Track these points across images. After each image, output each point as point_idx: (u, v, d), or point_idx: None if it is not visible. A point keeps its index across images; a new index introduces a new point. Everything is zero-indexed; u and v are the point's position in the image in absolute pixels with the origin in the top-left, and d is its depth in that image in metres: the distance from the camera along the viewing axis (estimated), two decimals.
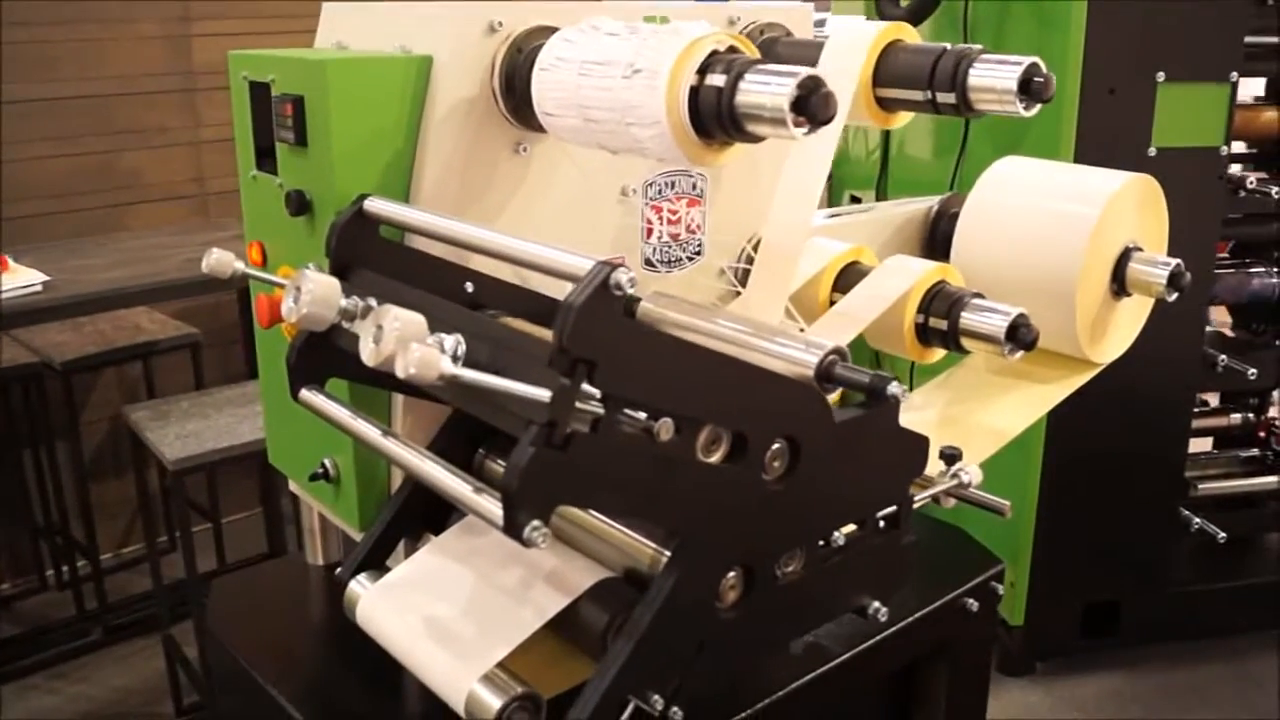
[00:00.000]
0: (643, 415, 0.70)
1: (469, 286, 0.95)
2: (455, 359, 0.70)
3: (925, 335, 1.06)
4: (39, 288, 1.85)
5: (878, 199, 3.01)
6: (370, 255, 0.90)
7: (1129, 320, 1.36)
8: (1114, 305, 1.32)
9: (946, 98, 0.95)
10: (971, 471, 1.02)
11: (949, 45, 0.97)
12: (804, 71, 0.73)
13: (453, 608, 0.86)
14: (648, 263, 1.13)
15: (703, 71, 0.77)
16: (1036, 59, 0.91)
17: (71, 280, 1.87)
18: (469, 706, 0.77)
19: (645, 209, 1.11)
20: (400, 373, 0.58)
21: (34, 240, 2.42)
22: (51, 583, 2.78)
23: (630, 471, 0.70)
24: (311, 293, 0.77)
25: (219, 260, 0.82)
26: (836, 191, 3.18)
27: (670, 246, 1.14)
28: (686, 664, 0.77)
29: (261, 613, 1.13)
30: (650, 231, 1.12)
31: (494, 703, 0.76)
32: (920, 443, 0.90)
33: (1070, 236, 1.24)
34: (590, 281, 0.64)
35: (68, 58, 2.61)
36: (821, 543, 0.87)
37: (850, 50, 1.00)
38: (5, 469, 2.71)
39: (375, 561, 0.94)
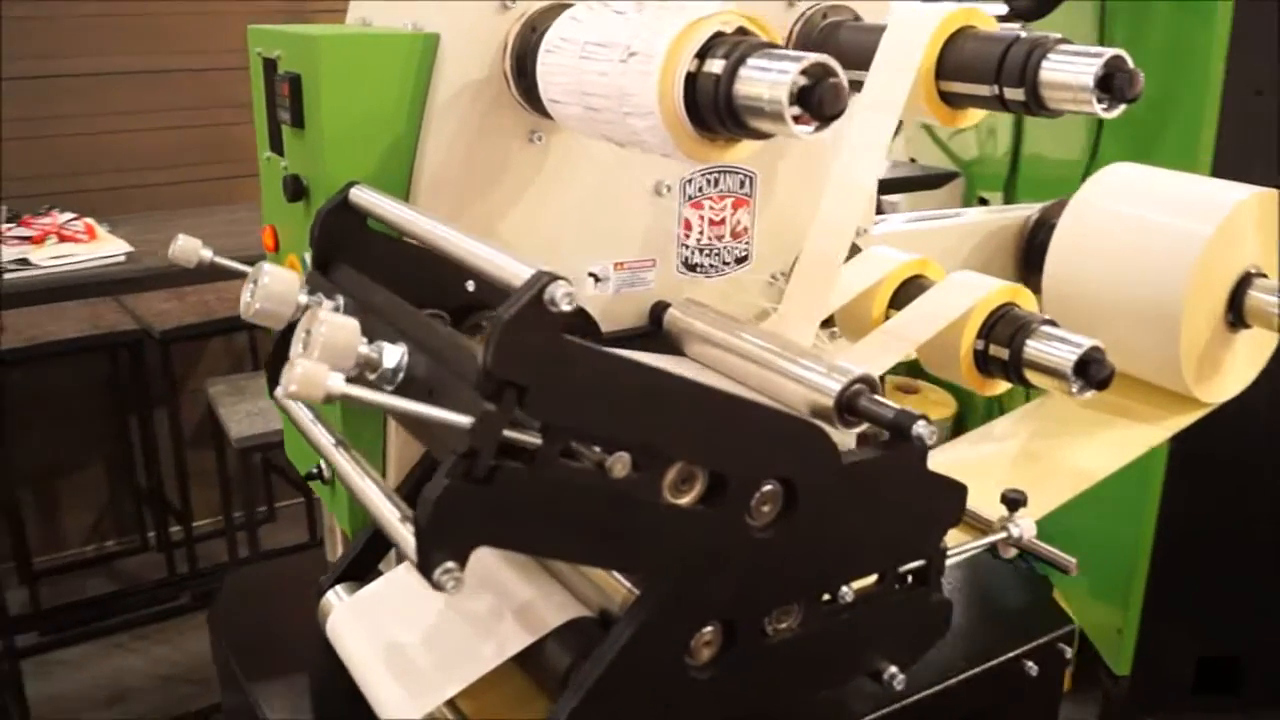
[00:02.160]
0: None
1: (470, 285, 0.88)
2: (393, 374, 0.63)
3: (985, 364, 0.93)
4: (122, 258, 1.88)
5: (1005, 201, 2.81)
6: (362, 248, 0.84)
7: (1248, 356, 1.18)
8: (1229, 338, 1.15)
9: (1015, 94, 0.82)
10: (1023, 525, 0.90)
11: (1023, 33, 0.84)
12: (811, 58, 0.62)
13: (415, 634, 0.79)
14: (685, 266, 1.03)
15: (704, 56, 0.67)
16: (1120, 51, 0.77)
17: (151, 253, 1.90)
18: None
19: (683, 208, 1.01)
20: (281, 391, 0.51)
21: (138, 210, 2.49)
22: (152, 544, 2.89)
23: (578, 511, 0.61)
24: (266, 288, 0.71)
25: (183, 248, 0.78)
26: (969, 192, 2.99)
27: (712, 250, 1.05)
28: None
29: (263, 610, 1.09)
30: (688, 233, 1.03)
31: None
32: (954, 490, 0.79)
33: (1177, 256, 1.09)
34: (522, 295, 0.55)
35: (181, 30, 2.68)
36: (827, 598, 0.76)
37: (910, 38, 0.88)
38: (113, 432, 2.82)
39: (358, 572, 0.89)
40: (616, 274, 0.99)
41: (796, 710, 0.87)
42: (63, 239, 1.93)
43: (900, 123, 0.89)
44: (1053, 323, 0.91)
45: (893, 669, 0.80)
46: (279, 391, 0.52)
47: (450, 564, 0.57)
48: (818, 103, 0.61)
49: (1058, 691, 1.09)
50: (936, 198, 3.09)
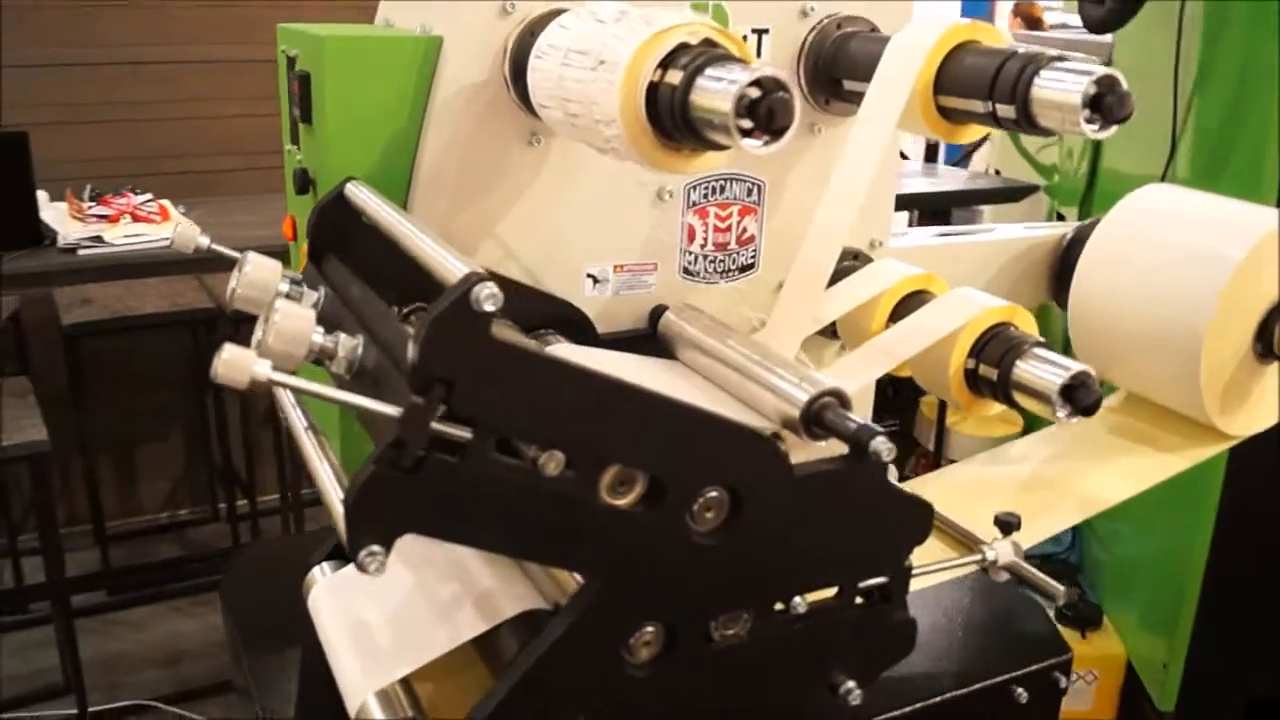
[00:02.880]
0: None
1: None
2: (347, 365, 0.66)
3: (976, 383, 0.92)
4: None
5: (1080, 218, 2.73)
6: (356, 242, 0.87)
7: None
8: (1259, 370, 1.11)
9: (1007, 111, 0.81)
10: (999, 549, 0.88)
11: (1021, 48, 0.82)
12: (762, 71, 0.63)
13: (383, 613, 0.82)
14: (687, 272, 1.04)
15: (667, 67, 0.68)
16: (1111, 70, 0.75)
17: (219, 236, 1.98)
18: (358, 718, 0.73)
19: (687, 214, 1.02)
20: (212, 375, 0.54)
21: (216, 194, 2.60)
22: (221, 515, 3.01)
23: (511, 507, 0.63)
24: (247, 275, 0.75)
25: (182, 234, 0.82)
26: (1051, 207, 2.92)
27: (716, 257, 1.05)
28: (572, 717, 0.69)
29: (272, 585, 1.13)
30: (692, 239, 1.03)
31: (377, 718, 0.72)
32: (919, 509, 0.78)
33: (1202, 280, 1.05)
34: (451, 294, 0.57)
35: (259, 21, 2.77)
36: (781, 607, 0.76)
37: (909, 52, 0.87)
38: (191, 406, 2.95)
39: (345, 551, 0.92)
40: (616, 276, 1.01)
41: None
42: (136, 219, 2.03)
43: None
44: (1045, 345, 0.89)
45: (850, 684, 0.80)
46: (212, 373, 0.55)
47: (375, 547, 0.59)
48: (766, 115, 0.61)
49: None
50: (1019, 212, 3.03)
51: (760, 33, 0.99)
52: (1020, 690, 1.02)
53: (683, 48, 0.68)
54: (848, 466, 0.73)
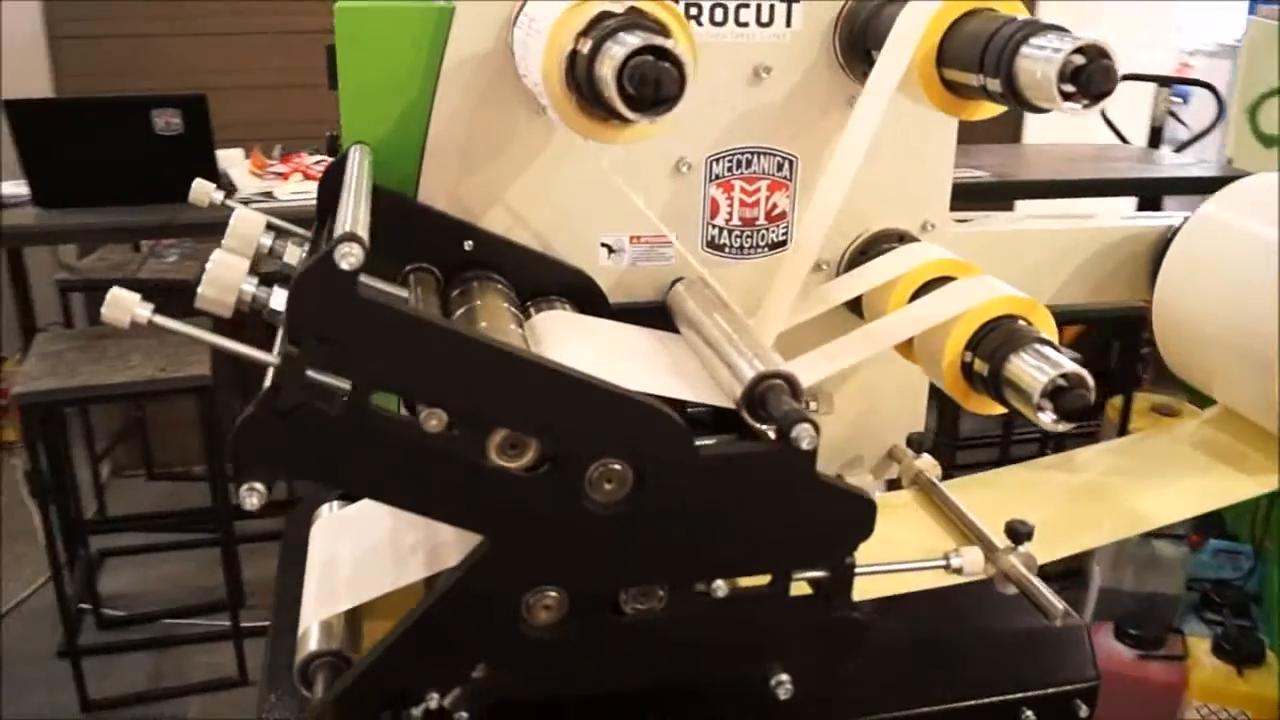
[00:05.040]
0: None
1: (468, 245, 0.94)
2: (255, 309, 0.71)
3: (973, 378, 0.86)
4: None
5: None
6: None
7: None
8: None
9: (995, 85, 0.75)
10: (965, 556, 0.82)
11: (1021, 16, 0.76)
12: (655, 40, 0.62)
13: (355, 550, 0.88)
14: (711, 245, 1.03)
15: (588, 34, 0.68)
16: (1096, 39, 0.68)
17: None
18: (299, 644, 0.79)
19: (709, 187, 1.01)
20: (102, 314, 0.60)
21: None
22: None
23: (395, 459, 0.66)
24: (232, 227, 0.81)
25: (198, 189, 0.89)
26: None
27: (744, 231, 1.03)
28: (467, 669, 0.72)
29: None
30: (715, 212, 1.02)
31: (309, 648, 0.77)
32: (856, 503, 0.74)
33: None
34: (319, 252, 0.60)
35: None
36: (703, 588, 0.75)
37: (916, 18, 0.82)
38: None
39: None
40: (632, 247, 1.01)
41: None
42: (307, 177, 2.21)
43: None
44: (1048, 342, 0.81)
45: (783, 676, 0.78)
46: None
47: (256, 484, 0.64)
48: (639, 81, 0.60)
49: None
50: None
51: (790, 2, 0.96)
52: (1029, 712, 0.94)
53: (605, 16, 0.68)
54: (762, 450, 0.71)
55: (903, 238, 1.05)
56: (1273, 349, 0.92)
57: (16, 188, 2.19)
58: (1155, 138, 3.57)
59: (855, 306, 1.02)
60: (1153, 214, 1.16)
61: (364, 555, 0.86)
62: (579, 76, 0.67)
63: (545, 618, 0.72)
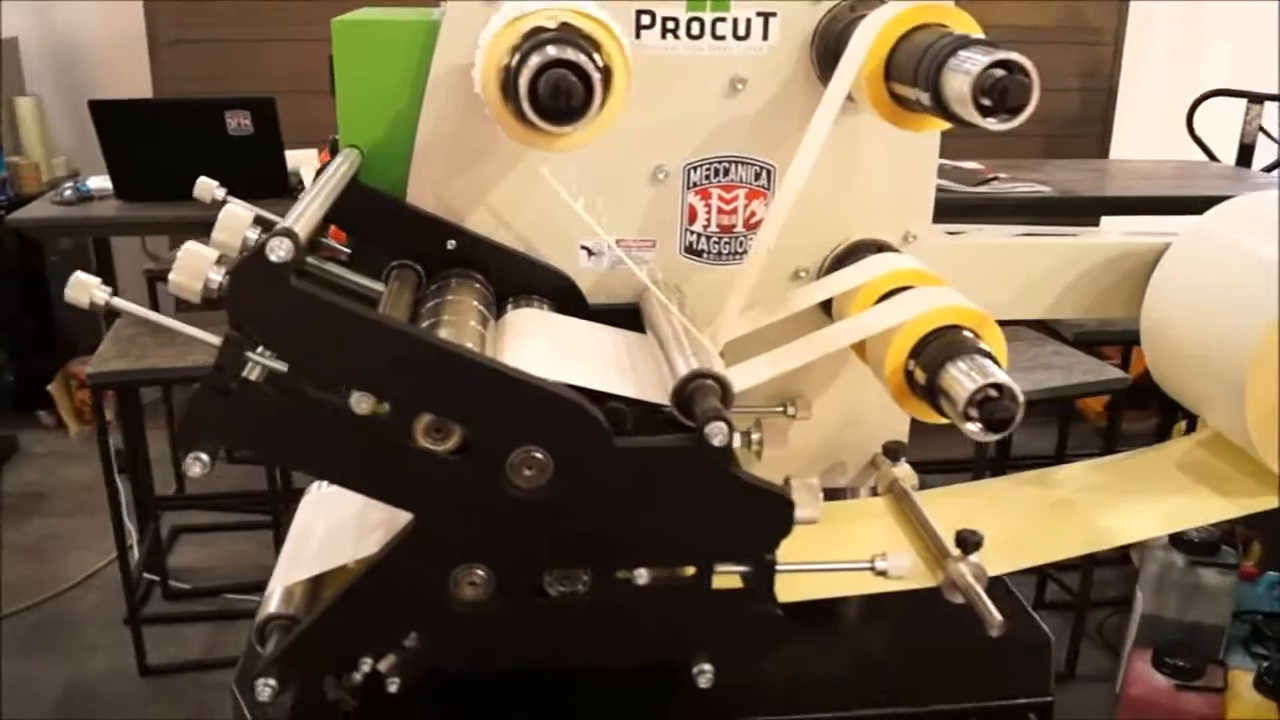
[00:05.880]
0: None
1: (451, 244, 1.00)
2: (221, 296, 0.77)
3: (913, 385, 0.87)
4: None
5: None
6: (353, 205, 0.98)
7: None
8: None
9: (925, 98, 0.77)
10: (890, 561, 0.83)
11: (960, 31, 0.77)
12: (567, 54, 0.66)
13: (326, 524, 0.94)
14: (690, 251, 1.06)
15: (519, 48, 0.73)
16: (1012, 54, 0.69)
17: None
18: (261, 606, 0.85)
19: (687, 194, 1.04)
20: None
21: None
22: None
23: (328, 437, 0.72)
24: (222, 221, 0.88)
25: (201, 185, 0.97)
26: None
27: (722, 238, 1.06)
28: (397, 638, 0.77)
29: None
30: (693, 219, 1.05)
31: (269, 610, 0.83)
32: (773, 502, 0.77)
33: (1261, 302, 0.92)
34: (254, 246, 0.66)
35: None
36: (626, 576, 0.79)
37: (869, 32, 0.84)
38: None
39: None
40: (611, 250, 1.05)
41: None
42: None
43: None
44: (987, 354, 0.82)
45: (705, 666, 0.81)
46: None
47: (201, 454, 0.70)
48: (550, 93, 0.65)
49: None
50: None
51: (766, 16, 0.99)
52: None
53: (538, 30, 0.72)
54: (676, 446, 0.74)
55: (881, 248, 1.07)
56: (1246, 370, 0.91)
57: (102, 182, 2.35)
58: (1245, 155, 3.45)
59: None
60: (1153, 231, 1.14)
61: (332, 529, 0.92)
62: (508, 90, 0.72)
63: (471, 594, 0.77)
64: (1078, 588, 2.43)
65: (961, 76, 0.71)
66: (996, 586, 1.01)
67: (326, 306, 0.68)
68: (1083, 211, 2.80)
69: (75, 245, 3.63)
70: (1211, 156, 3.48)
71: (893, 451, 1.10)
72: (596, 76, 0.67)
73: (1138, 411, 3.23)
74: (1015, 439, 3.03)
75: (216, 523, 3.00)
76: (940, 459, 2.56)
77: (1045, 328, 2.60)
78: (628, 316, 1.03)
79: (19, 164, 3.60)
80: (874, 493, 1.12)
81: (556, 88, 0.65)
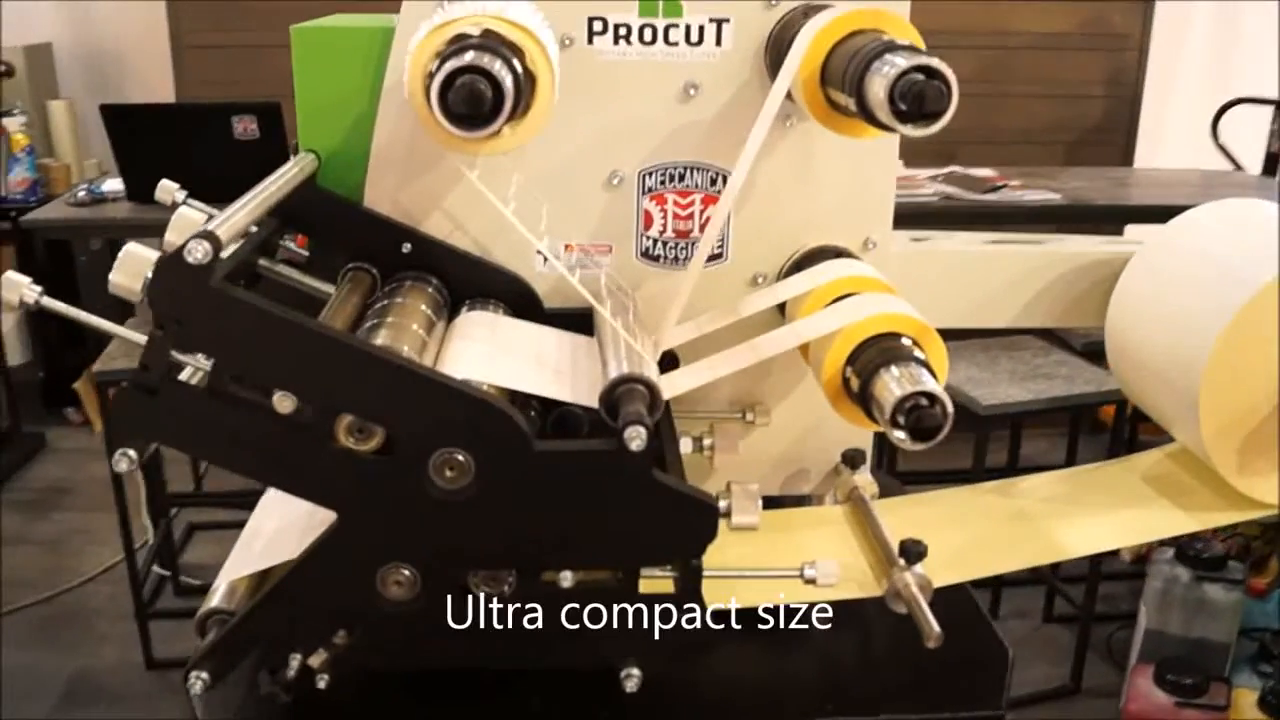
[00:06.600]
0: None
1: (406, 248, 1.01)
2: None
3: (849, 391, 0.87)
4: None
5: None
6: (310, 208, 0.99)
7: None
8: None
9: (851, 104, 0.76)
10: (819, 569, 0.83)
11: (888, 37, 0.77)
12: (482, 61, 0.67)
13: (278, 522, 0.95)
14: (646, 256, 1.07)
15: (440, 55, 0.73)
16: (930, 59, 0.69)
17: None
18: (206, 600, 0.86)
19: (643, 199, 1.05)
20: None
21: None
22: None
23: (253, 436, 0.73)
24: (174, 223, 0.90)
25: (163, 188, 0.99)
26: None
27: (677, 243, 1.07)
28: (326, 635, 0.78)
29: None
30: (649, 224, 1.06)
31: (211, 604, 0.85)
32: (698, 508, 0.77)
33: (1213, 313, 0.90)
34: (174, 247, 0.68)
35: None
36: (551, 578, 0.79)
37: (806, 38, 0.84)
38: None
39: None
40: (565, 255, 1.06)
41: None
42: None
43: None
44: (921, 363, 0.82)
45: (633, 670, 0.81)
46: None
47: (129, 450, 0.72)
48: (450, 101, 0.65)
49: None
50: None
51: (720, 22, 0.99)
52: None
53: (461, 38, 0.73)
54: (595, 449, 0.75)
55: (839, 254, 1.06)
56: (1199, 382, 0.90)
57: (115, 184, 2.40)
58: (1271, 164, 3.39)
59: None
60: (1121, 239, 1.13)
61: (281, 528, 0.93)
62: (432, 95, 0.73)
63: (397, 593, 0.78)
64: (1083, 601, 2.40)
65: (880, 80, 0.71)
66: (958, 596, 1.01)
67: (245, 308, 0.69)
68: (1092, 219, 2.76)
69: (105, 245, 3.70)
70: (1237, 165, 3.42)
71: (852, 459, 1.10)
72: (508, 82, 0.68)
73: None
74: (1025, 450, 3.01)
75: (231, 520, 3.04)
76: (941, 469, 2.54)
77: (1054, 338, 2.57)
78: (583, 321, 1.04)
79: (50, 166, 3.68)
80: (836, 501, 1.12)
81: (468, 94, 0.66)
